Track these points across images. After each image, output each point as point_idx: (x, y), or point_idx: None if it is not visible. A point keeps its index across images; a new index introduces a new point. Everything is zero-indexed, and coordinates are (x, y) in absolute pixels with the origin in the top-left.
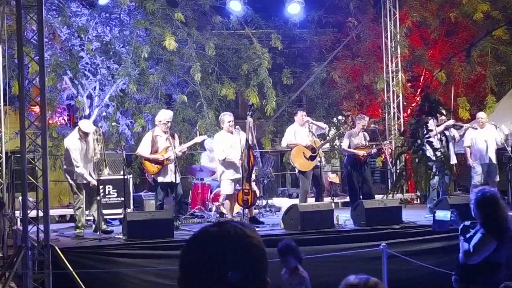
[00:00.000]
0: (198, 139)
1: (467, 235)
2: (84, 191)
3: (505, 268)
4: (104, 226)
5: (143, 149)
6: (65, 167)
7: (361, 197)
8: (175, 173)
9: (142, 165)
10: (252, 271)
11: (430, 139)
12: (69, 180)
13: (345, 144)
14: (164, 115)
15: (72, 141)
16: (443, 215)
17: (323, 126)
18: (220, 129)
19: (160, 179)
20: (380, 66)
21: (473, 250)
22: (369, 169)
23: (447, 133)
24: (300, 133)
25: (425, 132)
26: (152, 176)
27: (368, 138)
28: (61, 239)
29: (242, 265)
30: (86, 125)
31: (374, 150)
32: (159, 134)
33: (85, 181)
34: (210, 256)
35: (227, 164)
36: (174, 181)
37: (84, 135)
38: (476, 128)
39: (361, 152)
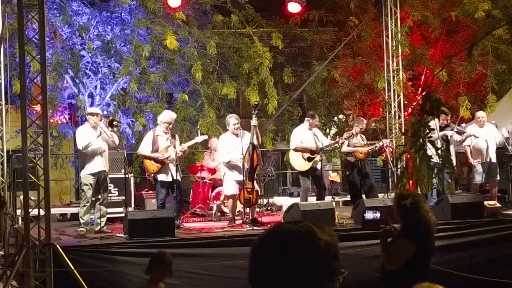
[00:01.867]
0: (198, 138)
1: (389, 239)
2: (93, 188)
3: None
4: (102, 225)
5: (144, 148)
6: (80, 161)
7: (363, 194)
8: (176, 172)
9: (143, 164)
10: (314, 274)
11: (432, 139)
12: (81, 173)
13: (344, 144)
14: (167, 116)
15: (78, 131)
16: (373, 215)
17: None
18: (225, 131)
19: (161, 177)
20: (381, 65)
21: (390, 255)
22: (370, 166)
23: (447, 133)
24: (306, 137)
25: (426, 132)
26: (153, 175)
27: (366, 142)
28: (63, 238)
29: (303, 266)
30: (90, 108)
31: (374, 146)
32: (160, 134)
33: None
34: (272, 254)
35: (231, 165)
36: (175, 180)
37: (92, 119)
38: (478, 137)
39: (360, 149)
